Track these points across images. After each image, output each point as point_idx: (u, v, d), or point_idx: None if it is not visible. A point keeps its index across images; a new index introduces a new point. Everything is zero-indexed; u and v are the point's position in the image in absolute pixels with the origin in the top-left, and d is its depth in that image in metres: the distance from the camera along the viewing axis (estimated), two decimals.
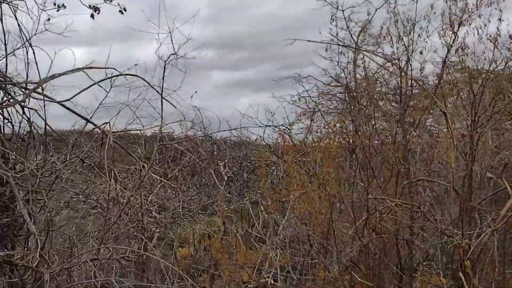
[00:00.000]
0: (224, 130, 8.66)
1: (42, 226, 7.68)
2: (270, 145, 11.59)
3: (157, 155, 11.36)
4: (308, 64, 12.82)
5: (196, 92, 8.07)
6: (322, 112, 11.86)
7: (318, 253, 6.88)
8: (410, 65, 6.54)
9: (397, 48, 6.60)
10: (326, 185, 6.36)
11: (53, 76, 7.43)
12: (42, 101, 7.98)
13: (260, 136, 11.75)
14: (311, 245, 6.94)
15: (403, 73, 6.49)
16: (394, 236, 6.50)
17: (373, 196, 6.34)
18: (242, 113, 11.21)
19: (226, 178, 12.34)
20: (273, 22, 26.84)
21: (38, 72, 7.90)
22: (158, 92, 7.44)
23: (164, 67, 7.29)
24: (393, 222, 6.43)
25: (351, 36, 7.52)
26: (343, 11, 7.72)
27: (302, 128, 12.51)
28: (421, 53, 6.59)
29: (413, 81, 6.59)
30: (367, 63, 7.20)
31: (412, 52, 6.48)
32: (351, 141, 7.22)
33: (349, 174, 7.14)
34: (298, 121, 13.09)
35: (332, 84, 13.79)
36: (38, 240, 6.87)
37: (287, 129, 12.07)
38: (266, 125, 11.59)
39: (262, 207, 10.32)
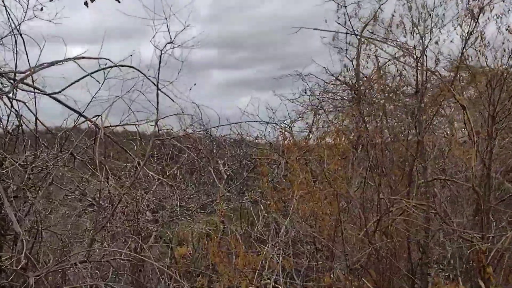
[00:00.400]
0: (224, 125, 7.98)
1: (30, 226, 7.09)
2: (271, 143, 11.00)
3: (155, 152, 10.78)
4: (308, 64, 12.36)
5: (195, 84, 7.40)
6: (325, 109, 11.29)
7: (323, 256, 6.23)
8: (425, 55, 5.88)
9: (411, 37, 5.94)
10: (333, 183, 5.71)
11: (42, 66, 6.78)
12: (33, 93, 7.34)
13: (262, 131, 11.16)
14: (316, 247, 6.29)
15: (419, 64, 5.83)
16: (407, 239, 5.85)
17: (385, 197, 5.69)
18: (243, 110, 10.70)
19: (225, 176, 11.77)
20: (274, 22, 26.24)
21: (28, 62, 7.24)
22: (154, 83, 6.80)
23: (160, 56, 6.64)
24: (406, 224, 5.78)
25: (354, 33, 6.86)
26: (345, 6, 7.12)
27: (304, 126, 11.95)
28: (436, 43, 5.93)
29: (428, 73, 5.94)
30: (377, 53, 6.51)
31: (429, 41, 5.81)
32: (360, 137, 6.57)
33: (356, 172, 6.48)
34: (299, 118, 12.54)
35: (334, 82, 13.29)
36: (24, 240, 6.29)
37: (288, 126, 11.53)
38: (267, 122, 11.05)
39: (261, 206, 9.84)
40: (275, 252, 6.85)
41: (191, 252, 11.31)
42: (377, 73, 6.51)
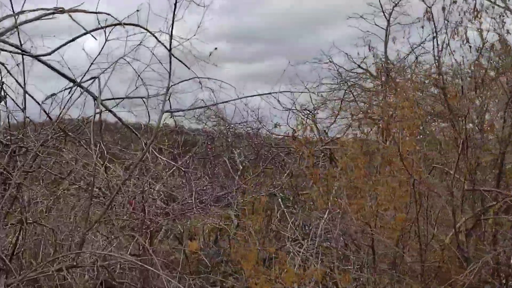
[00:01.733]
0: (240, 98, 5.93)
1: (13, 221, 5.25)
2: (294, 129, 9.12)
3: (166, 140, 8.93)
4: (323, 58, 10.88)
5: (215, 48, 5.41)
6: (354, 95, 9.51)
7: (385, 267, 4.27)
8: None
9: None
10: (410, 168, 3.77)
11: (25, 16, 4.84)
12: (20, 55, 5.40)
13: (283, 119, 9.29)
14: (374, 254, 4.31)
15: None
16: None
17: (482, 188, 3.76)
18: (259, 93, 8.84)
19: (241, 167, 9.95)
20: (288, 17, 24.30)
21: (14, 18, 5.31)
22: (164, 46, 4.84)
23: (175, 6, 4.65)
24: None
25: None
26: None
27: (328, 114, 10.12)
28: None
29: None
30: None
31: None
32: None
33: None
34: (323, 105, 10.72)
35: (356, 70, 11.58)
36: None
37: (311, 113, 9.71)
38: (289, 109, 9.23)
39: (280, 200, 8.18)
40: (312, 257, 4.92)
41: (201, 247, 9.58)
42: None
